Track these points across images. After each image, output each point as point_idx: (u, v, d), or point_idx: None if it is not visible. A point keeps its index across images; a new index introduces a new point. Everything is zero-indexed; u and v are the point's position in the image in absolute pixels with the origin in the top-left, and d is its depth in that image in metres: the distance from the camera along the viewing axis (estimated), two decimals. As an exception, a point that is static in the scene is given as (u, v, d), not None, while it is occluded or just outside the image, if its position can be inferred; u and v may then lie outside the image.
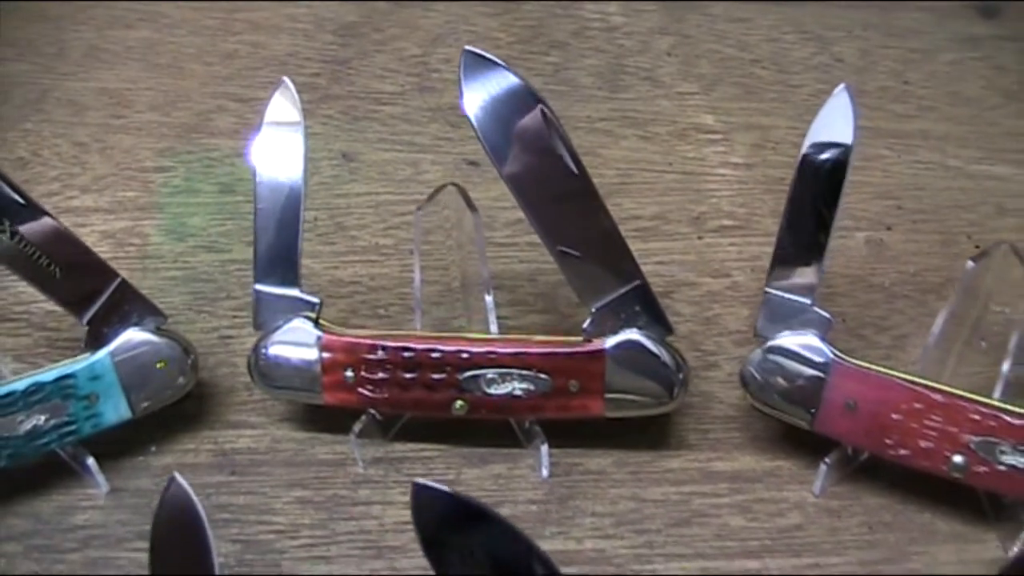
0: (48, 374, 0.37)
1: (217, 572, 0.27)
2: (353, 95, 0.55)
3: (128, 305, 0.38)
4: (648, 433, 0.40)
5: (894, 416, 0.36)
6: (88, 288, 0.38)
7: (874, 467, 0.38)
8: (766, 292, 0.37)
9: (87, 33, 0.59)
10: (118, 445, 0.40)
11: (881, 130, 0.52)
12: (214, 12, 0.60)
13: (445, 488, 0.26)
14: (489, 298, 0.39)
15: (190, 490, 0.26)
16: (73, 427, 0.38)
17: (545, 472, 0.38)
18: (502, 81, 0.35)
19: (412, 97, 0.55)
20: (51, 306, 0.43)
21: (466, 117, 0.35)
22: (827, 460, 0.37)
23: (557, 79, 0.56)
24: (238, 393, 0.42)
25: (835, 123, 0.36)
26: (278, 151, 0.37)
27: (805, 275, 0.37)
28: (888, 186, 0.50)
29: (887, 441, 0.36)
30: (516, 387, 0.36)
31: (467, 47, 0.35)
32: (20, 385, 0.37)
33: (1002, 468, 0.35)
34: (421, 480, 0.25)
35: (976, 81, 0.55)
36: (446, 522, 0.26)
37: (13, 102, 0.54)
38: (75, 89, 0.56)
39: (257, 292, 0.38)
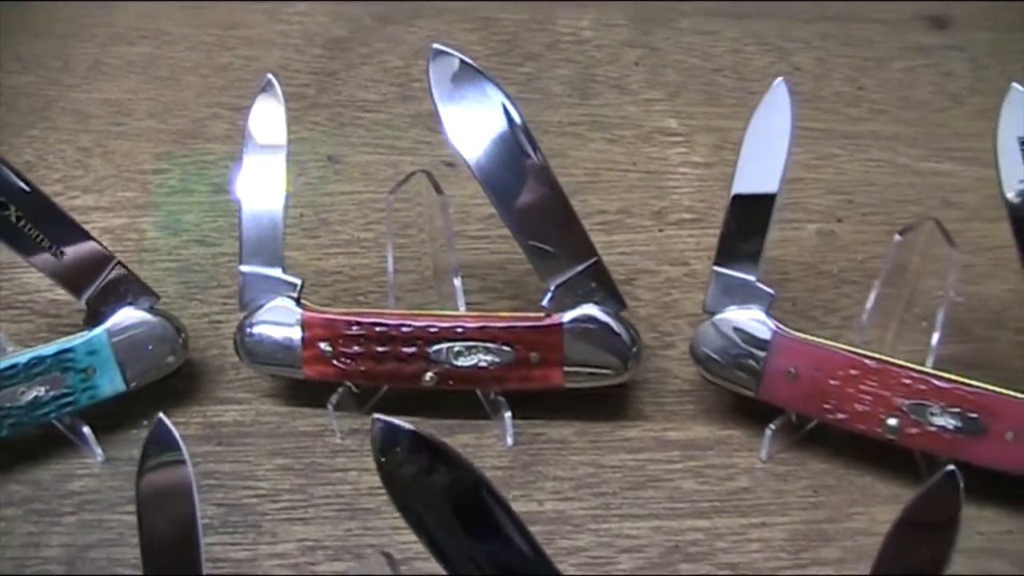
0: (49, 348, 0.40)
1: (198, 510, 0.29)
2: (339, 103, 0.59)
3: (124, 286, 0.41)
4: (607, 405, 0.43)
5: (832, 382, 0.38)
6: (87, 270, 0.41)
7: (819, 436, 0.41)
8: (714, 270, 0.40)
9: (91, 48, 0.63)
10: (113, 418, 0.42)
11: (835, 131, 0.56)
12: (211, 29, 0.64)
13: (406, 424, 0.28)
14: (457, 281, 0.42)
15: (173, 428, 0.29)
16: (71, 398, 0.40)
17: (509, 440, 0.41)
18: (466, 73, 0.38)
19: (394, 105, 0.58)
20: (53, 295, 0.47)
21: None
22: (772, 426, 0.40)
23: (530, 88, 0.59)
24: (226, 372, 0.45)
25: (774, 113, 0.40)
26: (264, 140, 0.41)
27: (749, 253, 0.40)
28: (840, 182, 0.53)
29: (826, 406, 0.38)
30: (481, 359, 0.39)
31: (435, 44, 0.39)
32: (22, 359, 0.40)
33: (933, 429, 0.37)
34: (382, 416, 0.28)
35: (926, 87, 0.58)
36: (407, 456, 0.28)
37: (20, 111, 0.58)
38: (79, 99, 0.59)
39: (243, 273, 0.41)
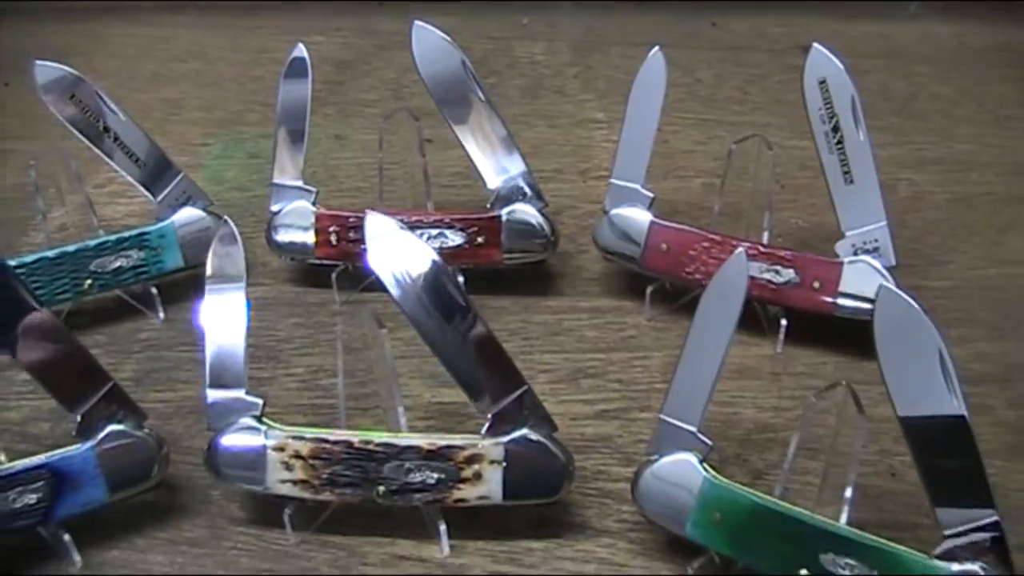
0: (132, 231, 0.56)
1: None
2: (344, 102, 0.76)
3: (189, 194, 0.57)
4: (538, 284, 0.58)
5: (691, 252, 0.54)
6: (162, 176, 0.57)
7: (690, 305, 0.56)
8: (611, 183, 0.56)
9: (151, 64, 0.81)
10: (174, 289, 0.58)
11: (723, 121, 0.73)
12: (246, 52, 0.82)
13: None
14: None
15: (237, 232, 0.45)
16: (145, 268, 0.56)
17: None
18: (439, 43, 0.55)
19: (387, 103, 0.76)
20: (132, 208, 0.63)
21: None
22: (649, 288, 0.56)
23: (494, 92, 0.75)
24: (255, 267, 0.60)
25: (652, 74, 0.56)
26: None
27: (635, 172, 0.56)
28: (721, 153, 0.67)
29: (687, 270, 0.54)
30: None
31: (416, 21, 0.56)
32: (113, 238, 0.56)
33: (761, 281, 0.53)
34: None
35: (794, 92, 0.75)
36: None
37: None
38: (142, 99, 0.77)
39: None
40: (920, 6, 0.88)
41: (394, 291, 0.43)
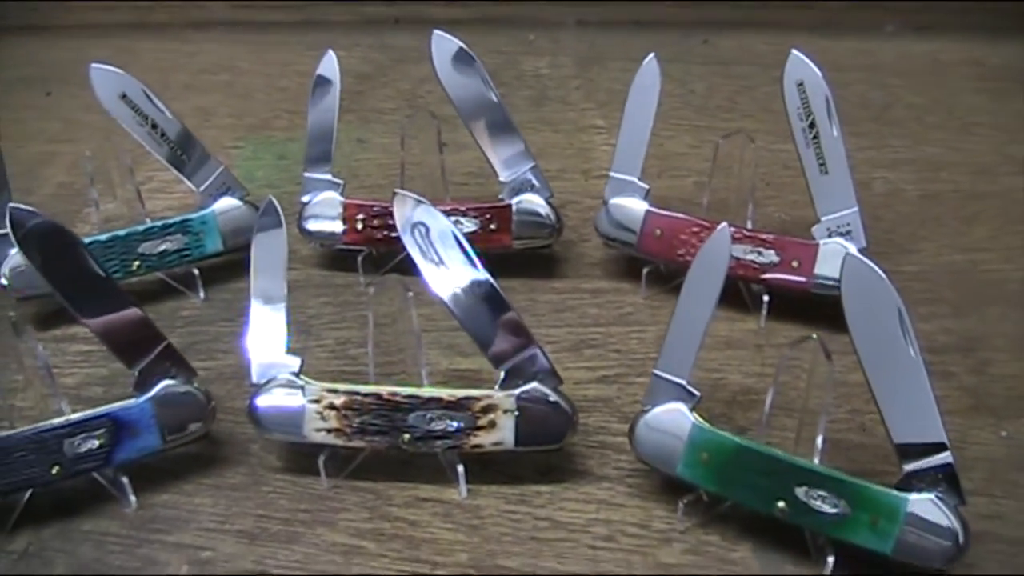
0: (176, 218, 0.62)
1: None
2: (364, 109, 0.83)
3: (226, 184, 0.63)
4: (542, 268, 0.64)
5: (682, 237, 0.60)
6: (202, 168, 0.63)
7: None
8: (610, 176, 0.62)
9: (184, 76, 0.88)
10: (213, 271, 0.63)
11: (715, 127, 0.79)
12: (272, 65, 0.89)
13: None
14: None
15: (279, 208, 0.50)
16: (188, 251, 0.62)
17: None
18: (455, 49, 0.61)
19: (404, 110, 0.82)
20: (173, 201, 0.69)
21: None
22: (645, 270, 0.61)
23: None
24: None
25: (647, 78, 0.62)
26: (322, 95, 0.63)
27: (632, 166, 0.62)
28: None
29: (679, 253, 0.60)
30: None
31: (436, 31, 0.62)
32: (159, 223, 0.61)
33: (745, 262, 0.58)
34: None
35: (779, 102, 0.80)
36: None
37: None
38: (176, 108, 0.80)
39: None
40: (897, 25, 0.95)
41: (418, 259, 0.48)
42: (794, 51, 0.59)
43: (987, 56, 0.88)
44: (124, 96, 0.62)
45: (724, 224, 0.47)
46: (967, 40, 0.90)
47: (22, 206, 0.47)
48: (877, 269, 0.44)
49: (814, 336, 0.47)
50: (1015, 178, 0.72)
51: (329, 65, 0.63)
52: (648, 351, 0.58)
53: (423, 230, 0.49)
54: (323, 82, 0.63)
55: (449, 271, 0.49)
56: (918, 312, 0.59)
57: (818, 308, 0.57)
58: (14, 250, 0.58)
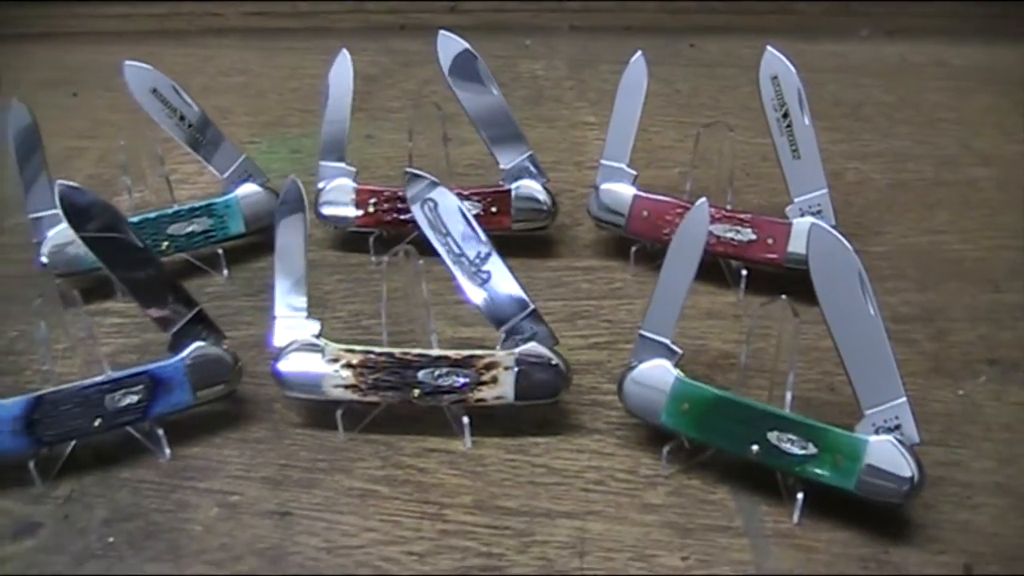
0: (203, 202, 0.67)
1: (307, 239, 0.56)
2: (372, 108, 0.88)
3: (248, 172, 0.69)
4: (542, 250, 0.69)
5: (667, 218, 0.65)
6: (226, 156, 0.68)
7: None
8: (601, 163, 0.68)
9: (202, 79, 0.93)
10: (235, 252, 0.69)
11: (697, 123, 0.83)
12: (284, 68, 0.95)
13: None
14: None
15: (302, 187, 0.56)
16: (213, 233, 0.67)
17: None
18: (459, 47, 0.67)
19: (409, 109, 0.87)
20: (194, 186, 0.74)
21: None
22: (633, 248, 0.67)
23: (501, 100, 0.89)
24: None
25: (635, 73, 0.68)
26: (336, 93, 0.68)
27: (621, 154, 0.67)
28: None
29: (664, 232, 0.65)
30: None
31: (441, 31, 0.68)
32: (187, 207, 0.67)
33: (725, 240, 0.64)
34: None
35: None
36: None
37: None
38: None
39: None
40: (870, 30, 1.01)
41: (427, 230, 0.54)
42: (769, 48, 0.65)
43: (952, 57, 0.95)
44: (155, 91, 0.67)
45: (703, 199, 0.53)
46: (934, 42, 0.96)
47: (69, 183, 0.52)
48: (840, 236, 0.49)
49: (783, 297, 0.52)
50: (976, 168, 0.78)
51: (343, 63, 0.69)
52: (636, 321, 0.63)
53: (432, 204, 0.54)
54: (338, 78, 0.69)
55: (455, 240, 0.54)
56: (884, 287, 0.65)
57: (791, 283, 0.63)
58: (52, 231, 0.63)
